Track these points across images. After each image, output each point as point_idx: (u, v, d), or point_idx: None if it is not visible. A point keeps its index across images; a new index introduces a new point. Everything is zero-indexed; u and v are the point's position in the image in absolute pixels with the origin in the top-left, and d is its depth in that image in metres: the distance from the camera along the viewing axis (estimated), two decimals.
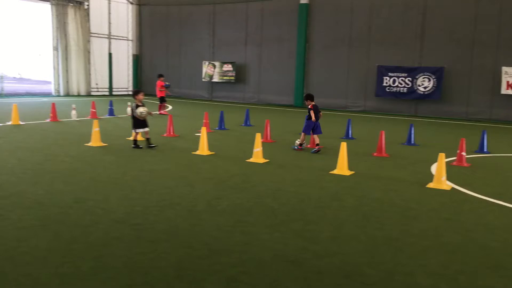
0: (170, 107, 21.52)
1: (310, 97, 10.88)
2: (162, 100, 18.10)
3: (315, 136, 10.70)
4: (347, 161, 8.42)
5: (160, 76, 18.33)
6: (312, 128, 10.65)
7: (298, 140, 10.99)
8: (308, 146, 11.19)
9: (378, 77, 22.44)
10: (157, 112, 17.71)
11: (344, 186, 7.38)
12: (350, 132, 13.17)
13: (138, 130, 10.13)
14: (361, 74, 23.24)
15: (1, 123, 13.14)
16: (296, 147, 10.82)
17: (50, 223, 5.08)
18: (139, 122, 10.07)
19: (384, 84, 22.33)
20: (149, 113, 10.12)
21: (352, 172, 8.34)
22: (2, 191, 6.28)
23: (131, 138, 10.55)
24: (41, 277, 3.78)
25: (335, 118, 19.54)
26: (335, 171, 8.32)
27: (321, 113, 11.01)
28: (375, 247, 4.74)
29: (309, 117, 10.58)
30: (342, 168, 8.32)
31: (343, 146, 8.38)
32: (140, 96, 10.09)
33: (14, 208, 5.54)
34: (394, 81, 22.10)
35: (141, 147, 10.07)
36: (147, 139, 10.30)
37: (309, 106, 10.74)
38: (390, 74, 22.16)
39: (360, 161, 9.54)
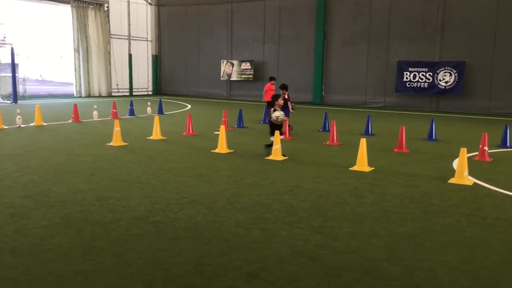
0: (189, 106, 21.68)
1: (286, 87, 12.89)
2: (270, 104, 15.65)
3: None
4: (367, 157, 8.36)
5: (272, 78, 15.52)
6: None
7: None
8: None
9: (398, 72, 22.19)
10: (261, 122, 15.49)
11: (364, 182, 7.33)
12: (370, 128, 13.07)
13: (272, 138, 9.28)
14: (380, 70, 23.01)
15: (24, 124, 13.42)
16: (290, 129, 12.18)
17: (72, 221, 5.18)
18: (276, 128, 9.29)
19: (404, 80, 22.07)
20: (284, 119, 9.34)
21: (372, 168, 8.28)
22: (27, 190, 6.43)
23: (270, 142, 9.45)
24: (64, 273, 3.86)
25: (354, 114, 19.40)
26: (354, 168, 8.27)
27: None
28: (396, 243, 4.70)
29: (285, 105, 11.85)
30: (361, 164, 8.26)
31: (363, 142, 8.32)
32: (280, 101, 9.49)
33: (38, 207, 5.66)
34: (414, 76, 21.83)
35: (284, 155, 9.20)
36: (266, 145, 9.56)
37: (286, 96, 12.38)
38: (410, 69, 21.89)
39: (380, 157, 9.46)
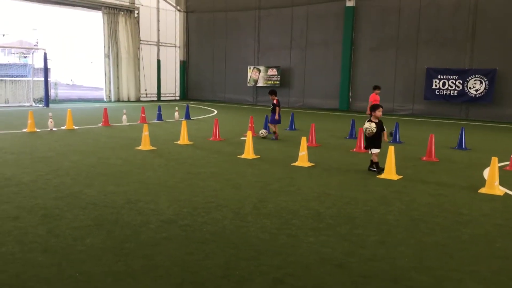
0: (215, 111, 21.85)
1: (275, 93, 13.13)
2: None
3: (276, 125, 12.83)
4: (395, 165, 8.28)
5: (376, 87, 14.15)
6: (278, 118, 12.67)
7: (263, 130, 12.92)
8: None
9: (427, 79, 21.90)
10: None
11: (392, 190, 7.26)
12: (398, 136, 12.93)
13: (373, 151, 8.54)
14: (409, 77, 22.76)
15: (56, 128, 13.77)
16: (274, 138, 12.57)
17: (103, 222, 5.30)
18: (371, 141, 8.50)
19: (434, 87, 21.76)
20: (372, 131, 8.41)
21: (400, 176, 8.19)
22: (58, 192, 6.60)
23: (374, 159, 8.62)
24: (96, 274, 3.95)
25: (382, 121, 19.16)
26: (382, 175, 8.20)
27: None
28: (424, 252, 4.64)
29: (273, 110, 12.59)
30: (389, 172, 8.18)
31: (391, 150, 8.25)
32: (378, 113, 8.58)
33: (70, 208, 5.81)
34: (444, 84, 21.50)
35: (381, 168, 8.48)
36: (374, 163, 8.64)
37: (274, 101, 12.73)
38: (439, 76, 21.57)
39: (408, 165, 9.35)
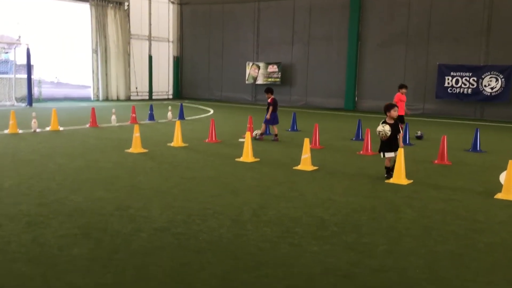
0: (211, 111, 21.87)
1: (270, 91, 13.14)
2: (402, 120, 12.77)
3: (274, 126, 12.94)
4: (405, 169, 8.29)
5: (402, 87, 13.66)
6: (273, 118, 12.83)
7: (259, 130, 12.98)
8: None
9: (439, 77, 21.94)
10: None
11: (402, 196, 7.28)
12: (407, 137, 12.94)
13: (387, 155, 8.40)
14: (419, 74, 22.80)
15: (40, 129, 13.77)
16: (258, 137, 12.66)
17: (91, 231, 5.30)
18: (386, 144, 8.38)
19: (446, 85, 21.80)
20: (386, 135, 8.20)
21: (410, 181, 8.21)
22: (43, 198, 6.60)
23: (386, 164, 8.53)
24: (83, 286, 3.96)
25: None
26: (391, 180, 8.21)
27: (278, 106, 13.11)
28: (437, 262, 4.65)
29: (268, 109, 12.73)
30: (399, 176, 8.19)
31: (400, 152, 8.26)
32: (393, 113, 8.38)
33: (55, 216, 5.81)
34: (457, 81, 21.54)
35: (391, 175, 8.36)
36: (385, 168, 8.53)
37: (269, 100, 12.87)
38: (452, 73, 21.61)
39: (419, 169, 9.37)
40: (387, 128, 8.23)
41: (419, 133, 13.97)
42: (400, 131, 8.44)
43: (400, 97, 13.29)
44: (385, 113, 8.52)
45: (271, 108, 12.82)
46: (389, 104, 8.64)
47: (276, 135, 12.93)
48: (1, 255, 4.55)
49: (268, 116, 12.85)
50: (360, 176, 8.68)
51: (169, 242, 5.01)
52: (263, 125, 13.07)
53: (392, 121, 8.40)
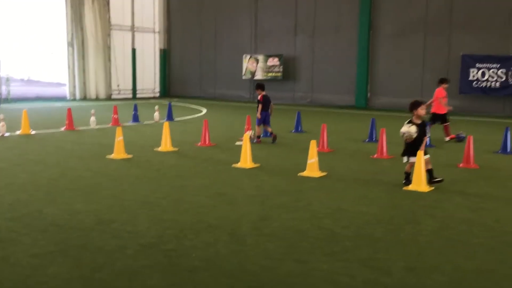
0: (204, 111, 21.88)
1: (261, 87, 13.33)
2: (443, 119, 13.67)
3: (266, 126, 13.12)
4: (425, 174, 8.29)
5: (443, 81, 13.82)
6: (263, 117, 13.00)
7: (252, 131, 13.14)
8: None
9: (463, 69, 21.99)
10: (446, 138, 13.52)
11: (422, 204, 7.28)
12: (428, 138, 12.93)
13: (411, 159, 8.29)
14: (440, 66, 22.82)
15: (8, 132, 13.77)
16: (255, 141, 12.76)
17: (69, 248, 5.29)
18: (411, 147, 8.28)
19: (471, 78, 21.85)
20: (411, 137, 8.14)
21: (432, 187, 8.21)
22: (13, 212, 6.59)
23: (406, 170, 8.47)
24: None
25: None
26: (409, 187, 8.22)
27: (272, 104, 13.28)
28: (464, 280, 4.66)
29: (261, 108, 12.93)
30: (419, 182, 8.19)
31: (420, 155, 8.26)
32: (421, 111, 8.32)
33: (28, 231, 5.80)
34: (483, 74, 21.59)
35: (441, 180, 8.37)
36: (428, 171, 8.37)
37: (259, 98, 13.11)
38: (478, 65, 21.67)
39: (442, 173, 9.35)
40: (413, 129, 8.11)
41: (462, 134, 13.50)
42: (427, 134, 8.38)
43: (441, 93, 13.25)
44: (411, 112, 8.46)
45: (260, 106, 13.02)
46: (416, 101, 8.54)
47: (271, 132, 13.09)
48: None
49: (258, 115, 13.00)
50: (375, 182, 8.68)
51: (158, 260, 5.00)
52: (257, 127, 13.17)
53: (419, 121, 8.32)
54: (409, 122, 8.29)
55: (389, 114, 21.77)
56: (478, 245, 5.60)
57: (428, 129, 8.97)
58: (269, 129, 13.19)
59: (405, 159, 8.43)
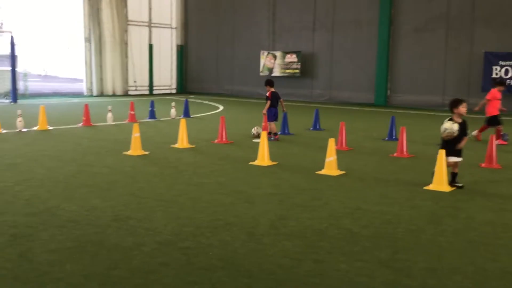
0: (221, 107, 21.92)
1: (269, 83, 13.44)
2: (495, 121, 13.30)
3: (272, 124, 13.11)
4: (447, 173, 8.23)
5: (500, 83, 13.68)
6: (273, 114, 13.10)
7: (258, 127, 13.22)
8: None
9: (486, 66, 21.76)
10: (497, 142, 12.14)
11: (444, 205, 7.23)
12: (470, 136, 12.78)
13: (450, 159, 8.14)
14: (462, 64, 22.62)
15: (26, 128, 13.92)
16: (272, 138, 12.76)
17: (86, 244, 5.34)
18: (448, 146, 8.14)
19: (494, 76, 21.59)
20: (452, 135, 8.00)
21: (454, 187, 8.14)
22: (31, 207, 6.66)
23: (453, 170, 8.30)
24: None
25: (429, 119, 19.08)
26: (430, 187, 8.15)
27: (281, 100, 13.46)
28: (487, 282, 4.61)
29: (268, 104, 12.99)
30: (440, 182, 8.12)
31: (441, 154, 8.19)
32: (462, 109, 8.18)
33: (45, 227, 5.86)
34: (506, 72, 21.35)
35: (461, 186, 8.23)
36: (452, 174, 8.29)
37: (267, 94, 13.16)
38: (501, 62, 21.43)
39: (464, 173, 9.26)
40: (455, 127, 7.98)
41: (506, 136, 13.25)
42: (467, 134, 8.25)
43: (495, 95, 13.10)
44: (451, 110, 8.31)
45: (268, 102, 13.02)
46: (457, 99, 8.38)
47: (275, 133, 13.13)
48: None
49: (264, 111, 13.03)
50: (394, 182, 8.63)
51: (175, 258, 5.02)
52: (272, 124, 13.10)
53: (459, 120, 8.17)
54: (450, 120, 8.15)
55: (409, 112, 21.62)
56: (501, 246, 5.55)
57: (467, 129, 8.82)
58: (274, 129, 13.15)
59: (453, 159, 8.17)
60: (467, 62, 22.52)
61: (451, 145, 8.11)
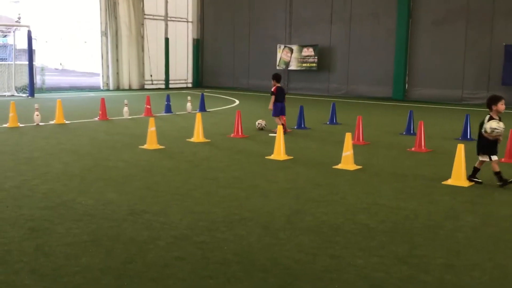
0: (237, 102, 21.93)
1: (276, 78, 13.43)
2: None
3: (277, 118, 13.01)
4: (466, 168, 8.16)
5: None
6: (280, 109, 13.05)
7: (261, 120, 13.58)
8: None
9: (506, 60, 21.49)
10: None
11: (462, 200, 7.18)
12: (468, 131, 12.72)
13: (493, 158, 7.99)
14: (482, 57, 22.38)
15: (43, 122, 14.05)
16: (286, 131, 12.63)
17: (102, 238, 5.38)
18: (490, 145, 8.02)
19: None
20: (502, 133, 7.91)
21: (472, 182, 8.07)
22: (47, 201, 6.73)
23: (495, 169, 8.04)
24: None
25: (448, 113, 18.93)
26: (449, 181, 8.10)
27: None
28: (506, 278, 4.57)
29: (275, 99, 12.97)
30: (458, 177, 8.07)
31: (460, 149, 8.13)
32: (501, 106, 7.98)
33: (61, 221, 5.92)
34: None
35: (480, 181, 8.13)
36: (496, 173, 8.05)
37: (273, 89, 13.14)
38: None
39: (482, 168, 9.18)
40: (502, 125, 7.83)
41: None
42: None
43: None
44: (489, 107, 8.12)
45: (273, 97, 12.99)
46: (496, 95, 8.20)
47: (283, 124, 12.66)
48: (1, 265, 4.65)
49: (270, 107, 13.02)
50: (412, 177, 8.58)
51: (190, 252, 5.04)
52: (276, 119, 12.99)
53: (497, 117, 8.01)
54: (490, 119, 7.95)
55: (427, 106, 21.47)
56: None
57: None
58: (282, 121, 12.95)
59: (485, 157, 8.06)
60: (487, 55, 22.27)
61: (494, 144, 7.98)
